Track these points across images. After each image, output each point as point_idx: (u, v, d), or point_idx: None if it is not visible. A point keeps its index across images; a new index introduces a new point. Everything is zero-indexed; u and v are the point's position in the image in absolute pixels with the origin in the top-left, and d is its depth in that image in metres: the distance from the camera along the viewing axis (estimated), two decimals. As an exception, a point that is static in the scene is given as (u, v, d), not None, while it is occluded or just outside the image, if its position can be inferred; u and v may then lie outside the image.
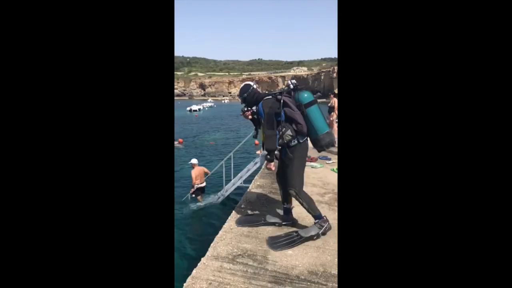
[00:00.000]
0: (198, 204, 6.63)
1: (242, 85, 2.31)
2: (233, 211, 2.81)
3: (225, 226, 2.49)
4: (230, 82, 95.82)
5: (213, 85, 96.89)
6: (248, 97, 2.23)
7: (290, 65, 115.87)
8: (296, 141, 2.10)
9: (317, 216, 2.20)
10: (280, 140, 2.08)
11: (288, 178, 2.17)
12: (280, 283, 1.74)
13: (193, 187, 6.63)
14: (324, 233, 2.18)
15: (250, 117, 2.26)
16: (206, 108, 47.24)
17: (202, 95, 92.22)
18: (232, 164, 6.26)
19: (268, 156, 2.17)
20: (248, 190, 3.49)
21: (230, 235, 2.31)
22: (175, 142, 12.82)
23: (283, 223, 2.37)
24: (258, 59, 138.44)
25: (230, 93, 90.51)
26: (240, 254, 2.06)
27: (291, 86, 2.14)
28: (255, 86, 2.28)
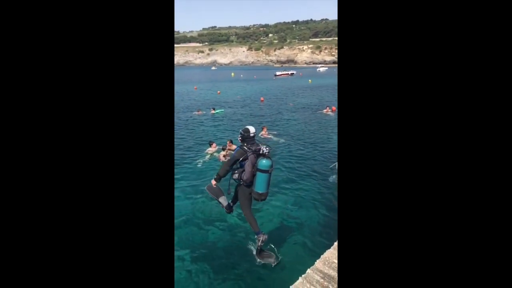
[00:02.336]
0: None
1: (247, 126, 3.09)
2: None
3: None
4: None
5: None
6: (242, 136, 3.05)
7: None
8: (241, 182, 3.02)
9: (256, 233, 3.11)
10: (233, 175, 3.05)
11: (239, 204, 3.17)
12: None
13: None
14: (262, 243, 3.07)
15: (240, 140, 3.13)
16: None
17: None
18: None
19: (215, 177, 3.10)
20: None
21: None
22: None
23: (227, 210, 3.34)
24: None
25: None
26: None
27: (266, 152, 2.87)
28: (252, 135, 3.01)
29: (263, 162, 2.82)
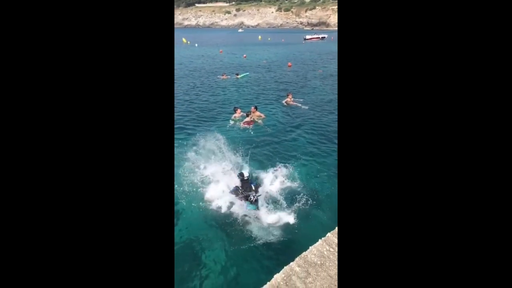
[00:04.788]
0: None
1: (242, 171, 3.89)
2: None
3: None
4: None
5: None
6: (238, 177, 3.82)
7: None
8: None
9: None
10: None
11: None
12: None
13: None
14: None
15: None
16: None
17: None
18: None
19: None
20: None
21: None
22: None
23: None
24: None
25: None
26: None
27: (253, 200, 3.53)
28: (246, 179, 3.76)
29: (249, 207, 3.57)
